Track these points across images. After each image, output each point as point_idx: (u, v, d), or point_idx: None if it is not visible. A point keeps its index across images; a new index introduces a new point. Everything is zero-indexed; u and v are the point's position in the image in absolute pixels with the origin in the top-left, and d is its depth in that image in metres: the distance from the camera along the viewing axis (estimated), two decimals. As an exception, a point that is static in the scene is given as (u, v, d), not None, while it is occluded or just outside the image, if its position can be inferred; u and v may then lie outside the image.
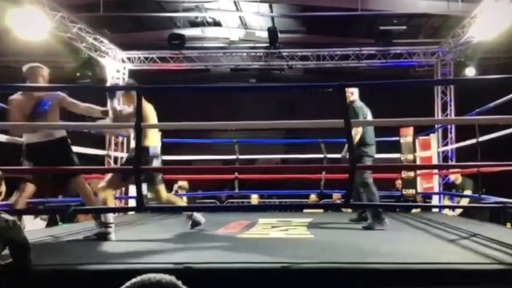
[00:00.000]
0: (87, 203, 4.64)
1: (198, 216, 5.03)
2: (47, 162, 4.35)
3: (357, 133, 5.35)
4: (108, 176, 4.68)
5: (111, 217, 4.47)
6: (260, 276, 2.94)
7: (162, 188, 4.94)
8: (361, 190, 5.51)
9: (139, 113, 3.71)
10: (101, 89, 4.97)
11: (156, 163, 4.74)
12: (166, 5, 11.42)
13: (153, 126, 4.71)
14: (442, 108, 10.71)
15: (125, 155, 9.15)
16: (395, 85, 9.36)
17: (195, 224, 5.02)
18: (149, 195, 7.87)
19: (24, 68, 4.77)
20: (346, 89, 5.59)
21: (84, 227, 5.41)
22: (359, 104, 5.71)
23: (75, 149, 5.05)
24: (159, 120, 4.92)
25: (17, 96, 4.59)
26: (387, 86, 9.55)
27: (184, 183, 9.46)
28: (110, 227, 4.42)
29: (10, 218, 2.56)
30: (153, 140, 4.76)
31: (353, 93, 5.69)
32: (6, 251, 2.57)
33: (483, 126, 5.96)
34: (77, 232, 4.90)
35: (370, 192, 5.50)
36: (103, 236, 4.36)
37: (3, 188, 2.88)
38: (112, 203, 4.69)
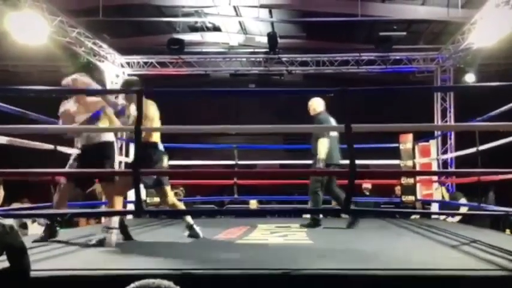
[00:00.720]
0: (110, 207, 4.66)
1: (197, 229, 4.93)
2: (89, 165, 4.44)
3: (324, 142, 5.90)
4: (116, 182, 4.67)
5: (115, 221, 4.44)
6: (259, 282, 2.92)
7: (169, 189, 4.92)
8: (310, 197, 6.16)
9: (139, 115, 3.69)
10: (100, 92, 4.95)
11: (166, 160, 4.79)
12: (166, 9, 11.42)
13: (153, 130, 4.69)
14: (442, 114, 10.72)
15: (124, 159, 9.12)
16: (395, 91, 9.36)
17: (193, 236, 4.92)
18: (148, 200, 7.89)
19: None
20: (310, 103, 6.28)
21: (83, 232, 5.40)
22: (324, 115, 6.15)
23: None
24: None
25: None
26: (387, 92, 9.56)
27: (178, 191, 9.47)
28: (111, 232, 4.36)
29: (7, 223, 2.54)
30: (158, 136, 4.81)
31: (318, 106, 6.24)
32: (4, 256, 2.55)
33: (483, 134, 5.95)
34: (76, 237, 4.87)
35: (316, 201, 6.04)
36: (101, 242, 4.32)
37: (2, 193, 2.86)
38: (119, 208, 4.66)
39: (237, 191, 8.57)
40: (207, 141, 12.97)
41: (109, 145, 4.77)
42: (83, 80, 4.81)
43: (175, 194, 9.26)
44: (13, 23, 7.67)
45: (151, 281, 1.48)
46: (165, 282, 1.49)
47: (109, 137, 4.78)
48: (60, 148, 5.71)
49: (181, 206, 5.15)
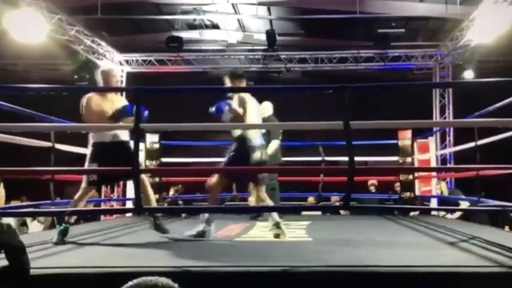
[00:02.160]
0: (146, 201, 4.55)
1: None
2: (114, 163, 4.31)
3: (276, 143, 6.55)
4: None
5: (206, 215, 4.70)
6: (258, 279, 2.92)
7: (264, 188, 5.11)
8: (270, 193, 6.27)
9: (138, 115, 3.69)
10: (102, 90, 4.92)
11: (258, 155, 4.91)
12: (165, 7, 11.41)
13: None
14: (441, 111, 10.73)
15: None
16: (394, 87, 9.35)
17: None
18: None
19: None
20: (262, 106, 6.38)
21: (82, 230, 5.39)
22: (273, 117, 6.76)
23: (80, 150, 5.04)
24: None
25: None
26: (386, 89, 9.56)
27: (179, 187, 9.50)
28: (210, 225, 4.67)
29: (4, 222, 2.53)
30: (254, 132, 4.93)
31: (269, 109, 6.78)
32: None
33: (482, 130, 5.94)
34: (75, 235, 4.87)
35: (274, 197, 6.36)
36: (203, 234, 4.59)
37: (2, 192, 2.86)
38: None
39: (236, 188, 8.59)
40: (205, 139, 12.95)
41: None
42: None
43: (176, 191, 9.34)
44: (12, 21, 7.67)
45: (148, 278, 1.48)
46: (163, 280, 1.48)
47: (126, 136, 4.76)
48: (58, 146, 5.71)
49: (268, 201, 5.19)
